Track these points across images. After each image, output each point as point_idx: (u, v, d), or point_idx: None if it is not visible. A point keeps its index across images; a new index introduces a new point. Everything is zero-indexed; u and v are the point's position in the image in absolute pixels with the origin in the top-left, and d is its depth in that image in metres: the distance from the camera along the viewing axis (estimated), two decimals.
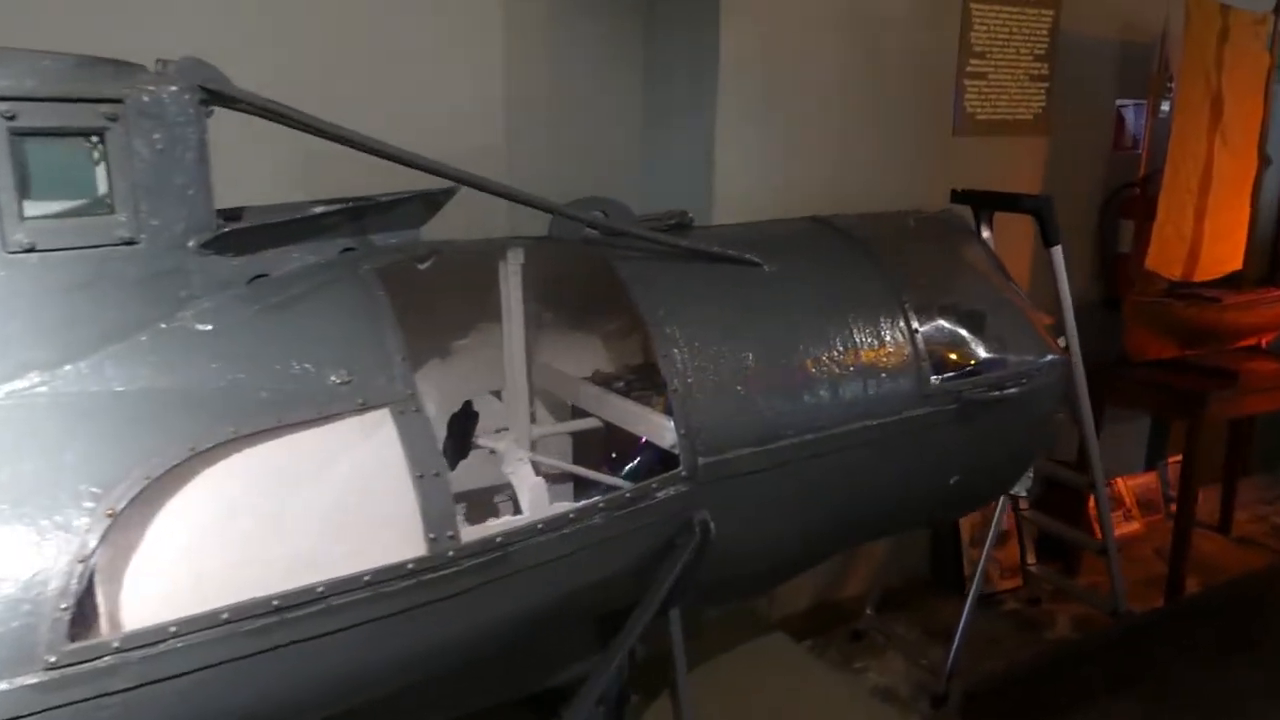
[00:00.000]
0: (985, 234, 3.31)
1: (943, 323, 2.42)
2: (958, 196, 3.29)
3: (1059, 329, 3.20)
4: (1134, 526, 4.75)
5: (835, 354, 2.15)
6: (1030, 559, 3.89)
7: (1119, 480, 4.80)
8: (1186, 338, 4.03)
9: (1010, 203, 3.17)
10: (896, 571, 4.06)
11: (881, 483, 2.25)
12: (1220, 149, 3.94)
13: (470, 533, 1.63)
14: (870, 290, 2.28)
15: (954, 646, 3.20)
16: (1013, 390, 2.40)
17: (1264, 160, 4.11)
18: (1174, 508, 5.08)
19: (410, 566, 1.53)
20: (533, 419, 2.47)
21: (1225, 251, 4.09)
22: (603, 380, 2.42)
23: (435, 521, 1.57)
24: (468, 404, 2.12)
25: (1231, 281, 4.17)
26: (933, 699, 3.28)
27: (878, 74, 3.31)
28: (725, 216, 2.97)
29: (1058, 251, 3.06)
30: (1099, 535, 3.52)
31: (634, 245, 2.13)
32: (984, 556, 3.12)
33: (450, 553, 1.58)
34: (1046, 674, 3.35)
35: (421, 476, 1.57)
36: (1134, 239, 4.12)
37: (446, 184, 1.87)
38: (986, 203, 3.25)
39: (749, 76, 3.14)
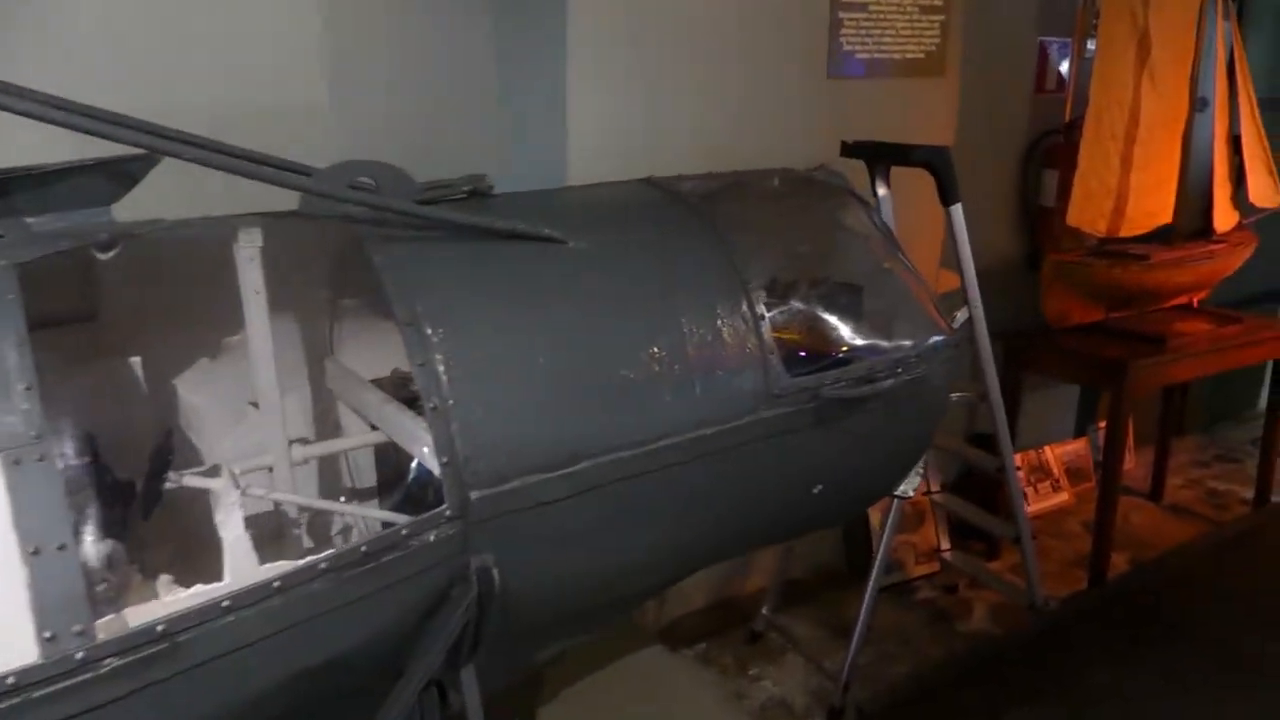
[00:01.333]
0: (882, 192, 2.92)
1: (802, 305, 2.04)
2: (848, 149, 2.89)
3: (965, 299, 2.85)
4: (1063, 497, 4.46)
5: (655, 350, 1.75)
6: (944, 545, 3.56)
7: (1048, 448, 4.50)
8: (1112, 299, 3.70)
9: (901, 155, 2.78)
10: (804, 562, 3.73)
11: (723, 500, 1.87)
12: (1148, 92, 3.57)
13: (117, 622, 1.23)
14: (704, 269, 1.88)
15: (849, 655, 2.87)
16: (888, 382, 2.02)
17: (1196, 104, 3.74)
18: None
19: (10, 681, 1.13)
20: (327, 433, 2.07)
21: (1155, 204, 3.74)
22: (400, 381, 2.01)
23: (54, 613, 1.17)
24: (168, 432, 1.69)
25: (1162, 236, 3.83)
26: (829, 713, 2.95)
27: (747, 5, 2.88)
28: (583, 175, 2.55)
29: (956, 210, 2.68)
30: None
31: (410, 222, 1.71)
32: (877, 561, 2.77)
33: (79, 654, 1.17)
34: (952, 681, 3.04)
35: (36, 552, 1.17)
36: (1058, 191, 3.76)
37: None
38: (880, 155, 2.86)
39: (603, 13, 2.70)
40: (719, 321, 1.84)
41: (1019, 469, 3.90)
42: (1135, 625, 3.29)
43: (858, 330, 2.09)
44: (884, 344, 2.10)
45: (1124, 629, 3.28)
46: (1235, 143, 3.93)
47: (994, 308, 4.02)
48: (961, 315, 2.80)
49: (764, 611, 3.33)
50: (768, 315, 1.89)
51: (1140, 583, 3.59)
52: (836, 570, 3.79)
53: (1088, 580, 3.66)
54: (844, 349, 2.05)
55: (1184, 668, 3.02)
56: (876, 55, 2.97)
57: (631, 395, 1.73)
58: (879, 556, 2.78)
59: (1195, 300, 4.04)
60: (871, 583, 2.81)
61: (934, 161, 2.63)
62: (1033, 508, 4.35)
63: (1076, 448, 4.66)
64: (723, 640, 3.39)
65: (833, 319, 2.08)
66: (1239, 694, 2.86)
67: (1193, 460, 5.03)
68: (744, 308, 1.88)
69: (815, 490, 2.02)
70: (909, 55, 3.05)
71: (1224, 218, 3.88)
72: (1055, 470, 4.50)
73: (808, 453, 1.97)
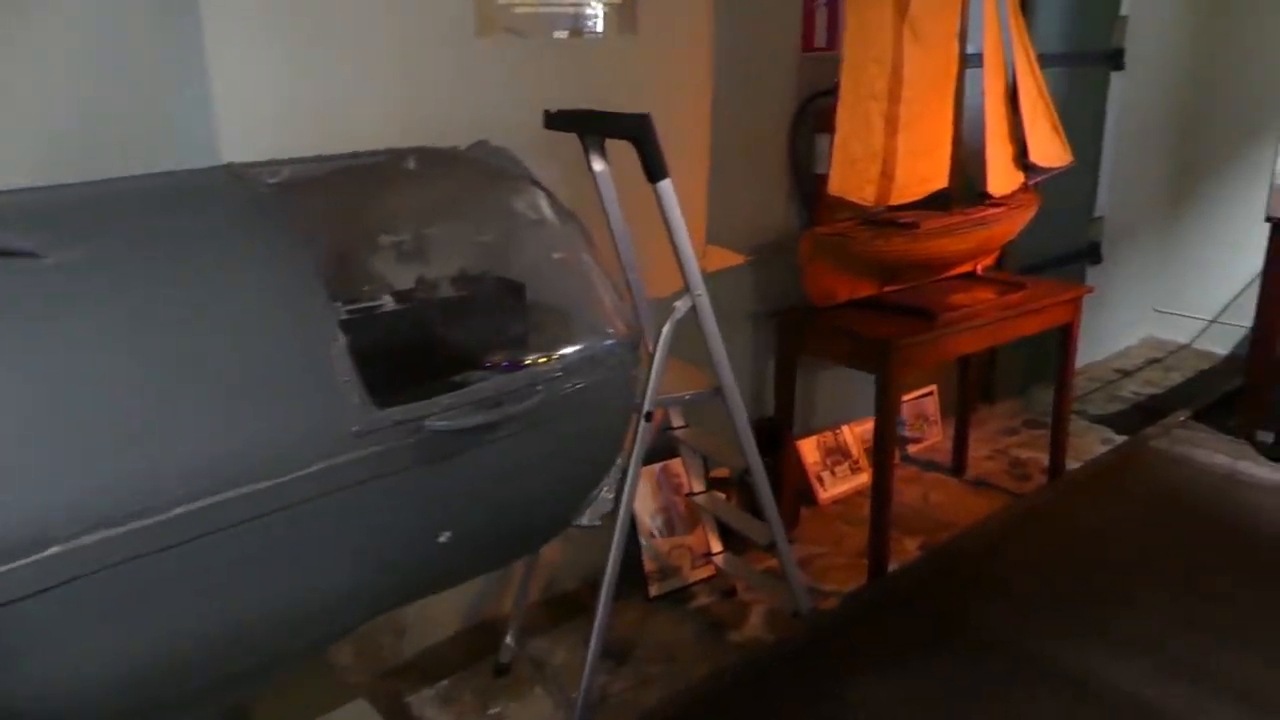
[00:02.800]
0: (598, 167, 2.58)
1: (412, 313, 1.66)
2: (552, 119, 2.53)
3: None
4: (862, 479, 4.24)
5: (169, 389, 1.35)
6: (715, 547, 3.28)
7: (846, 428, 4.28)
8: (883, 273, 3.45)
9: (606, 125, 2.44)
10: (572, 571, 3.41)
11: (289, 574, 1.49)
12: (911, 46, 3.31)
13: None
14: (259, 278, 1.48)
15: (582, 690, 2.54)
16: (524, 403, 1.67)
17: (967, 59, 3.51)
18: (911, 448, 4.64)
19: None
20: None
21: (928, 168, 3.50)
22: None
23: None
24: None
25: (939, 201, 3.60)
26: None
27: None
28: (239, 153, 2.11)
29: (664, 187, 2.33)
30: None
31: None
32: (605, 585, 2.45)
33: None
34: (707, 708, 2.76)
35: None
36: (830, 157, 3.48)
37: None
38: (586, 126, 2.51)
39: None
40: (270, 345, 1.45)
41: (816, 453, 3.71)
42: (911, 626, 3.08)
43: (494, 340, 1.73)
44: (529, 355, 1.75)
45: (900, 631, 3.06)
46: (1015, 101, 3.72)
47: (769, 283, 3.77)
48: (682, 305, 2.49)
49: (508, 640, 2.98)
50: (344, 335, 1.50)
51: (920, 576, 3.39)
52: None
53: (867, 575, 3.43)
54: (468, 365, 1.69)
55: (962, 672, 2.81)
56: (534, 9, 2.60)
57: (135, 450, 1.32)
58: (606, 579, 2.45)
59: (979, 267, 3.84)
60: (600, 607, 2.48)
61: (635, 132, 2.28)
62: (830, 492, 4.13)
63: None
64: (470, 673, 3.04)
65: (460, 327, 1.71)
66: (1027, 702, 2.67)
67: (1003, 428, 4.91)
68: (314, 325, 1.49)
69: (442, 539, 1.66)
70: (580, 8, 2.68)
71: (1002, 180, 3.67)
72: (854, 450, 4.29)
73: (420, 498, 1.60)
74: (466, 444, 1.61)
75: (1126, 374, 5.66)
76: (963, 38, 3.47)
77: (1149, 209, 5.84)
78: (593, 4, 2.70)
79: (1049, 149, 3.88)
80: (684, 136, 3.33)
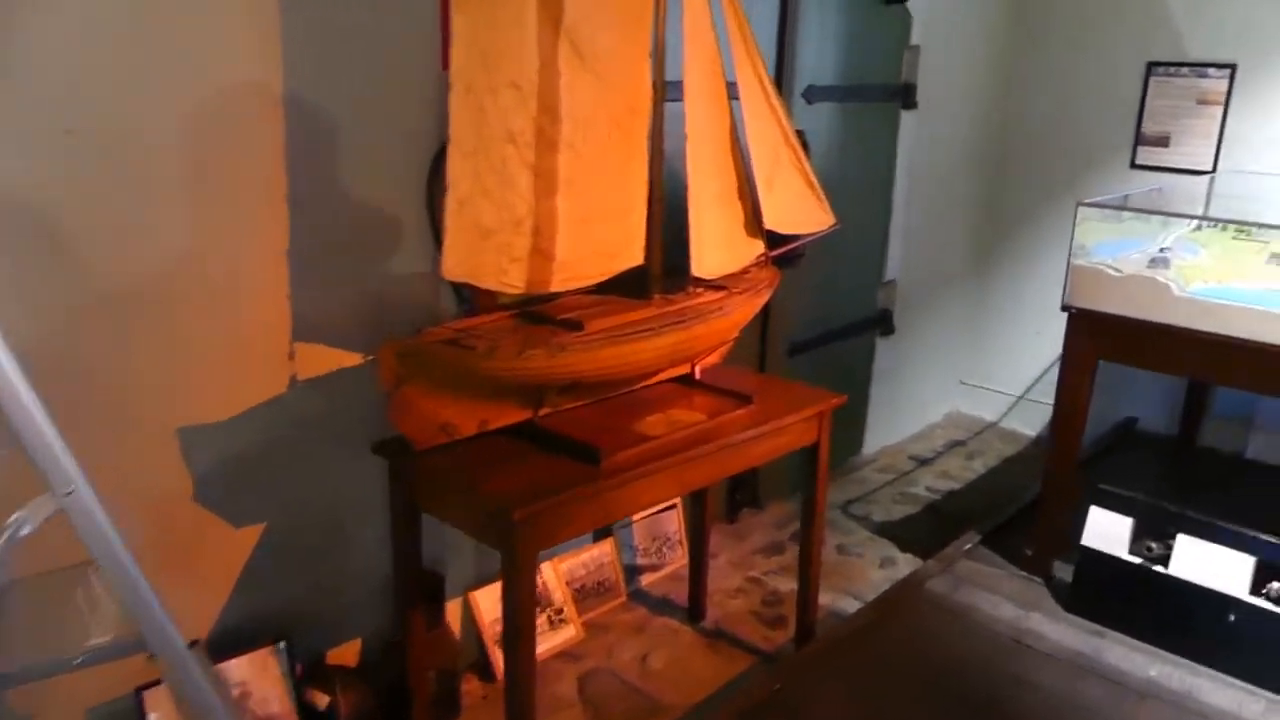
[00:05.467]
0: None
1: None
2: None
3: None
4: (568, 634, 3.23)
5: None
6: None
7: (545, 565, 3.25)
8: (532, 394, 2.42)
9: None
10: None
11: None
12: (574, 67, 2.31)
13: None
14: None
15: None
16: None
17: (663, 89, 2.53)
18: (645, 580, 3.65)
19: None
20: None
21: (609, 237, 2.51)
22: None
23: None
24: None
25: (632, 284, 2.62)
26: None
27: None
28: None
29: None
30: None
31: None
32: None
33: None
34: None
35: None
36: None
37: None
38: None
39: None
40: None
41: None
42: None
43: None
44: None
45: None
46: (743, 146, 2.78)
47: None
48: (32, 515, 1.38)
49: None
50: None
51: None
52: None
53: None
54: None
55: None
56: None
57: None
58: None
59: (697, 368, 2.86)
60: None
61: None
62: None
63: (598, 553, 3.45)
64: None
65: None
66: None
67: (766, 542, 3.98)
68: None
69: None
70: None
71: (718, 256, 2.72)
72: (558, 595, 3.26)
73: None
74: None
75: (924, 462, 4.85)
76: (657, 59, 2.50)
77: (951, 270, 5.07)
78: None
79: (797, 210, 2.95)
80: (227, 183, 2.24)
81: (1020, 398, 5.17)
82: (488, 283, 2.26)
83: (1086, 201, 3.11)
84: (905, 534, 4.09)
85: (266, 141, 2.28)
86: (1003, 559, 3.54)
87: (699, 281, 2.73)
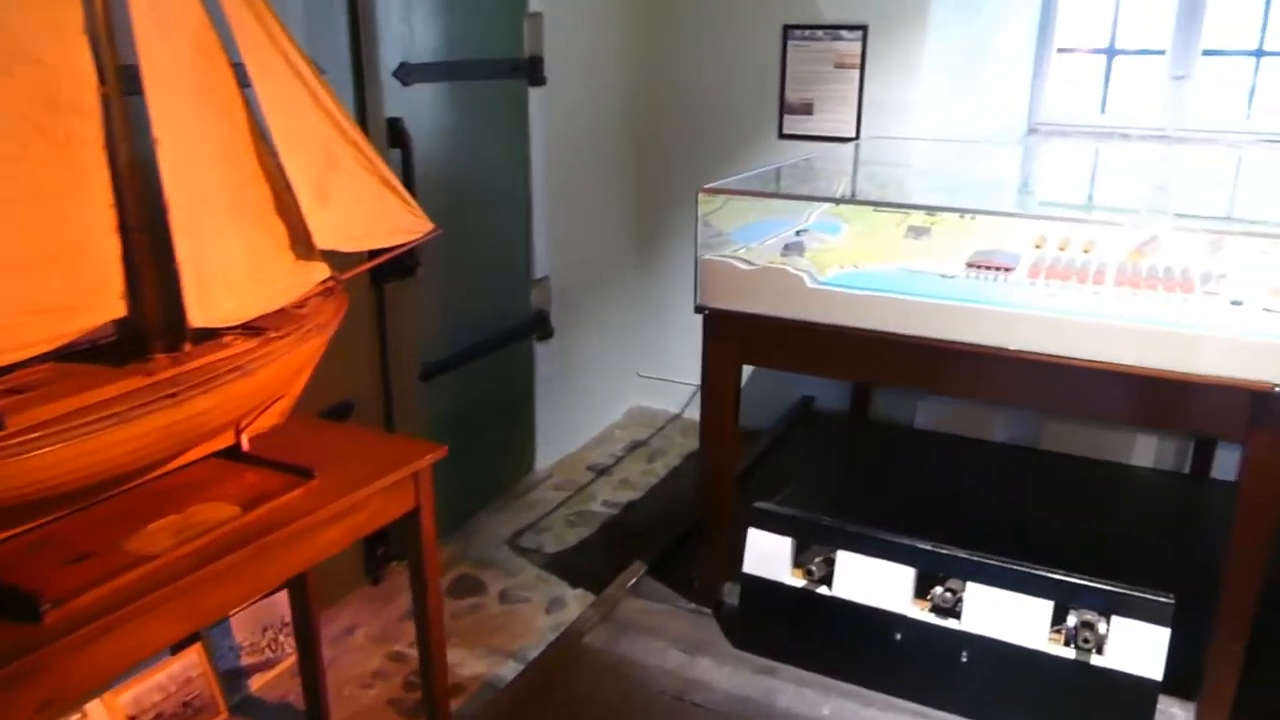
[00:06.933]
0: None
1: None
2: None
3: None
4: None
5: None
6: None
7: (97, 700, 2.49)
8: None
9: None
10: None
11: None
12: None
13: None
14: None
15: None
16: None
17: (116, 81, 1.84)
18: (254, 683, 2.96)
19: None
20: None
21: (59, 285, 1.80)
22: None
23: None
24: None
25: (112, 347, 1.92)
26: None
27: None
28: None
29: None
30: None
31: None
32: None
33: None
34: None
35: None
36: None
37: None
38: None
39: None
40: None
41: None
42: None
43: None
44: None
45: None
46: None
47: None
48: None
49: None
50: None
51: None
52: None
53: None
54: None
55: None
56: None
57: None
58: None
59: (243, 434, 2.20)
60: None
61: None
62: None
63: (180, 668, 2.72)
64: None
65: None
66: None
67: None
68: None
69: None
70: None
71: (249, 292, 2.07)
72: None
73: None
74: None
75: (602, 472, 4.44)
76: (101, 38, 1.79)
77: (611, 259, 4.68)
78: None
79: (371, 220, 2.34)
80: None
81: (700, 386, 4.88)
82: None
83: (708, 187, 2.73)
84: (579, 563, 3.65)
85: None
86: (671, 589, 3.16)
87: (232, 328, 2.07)
